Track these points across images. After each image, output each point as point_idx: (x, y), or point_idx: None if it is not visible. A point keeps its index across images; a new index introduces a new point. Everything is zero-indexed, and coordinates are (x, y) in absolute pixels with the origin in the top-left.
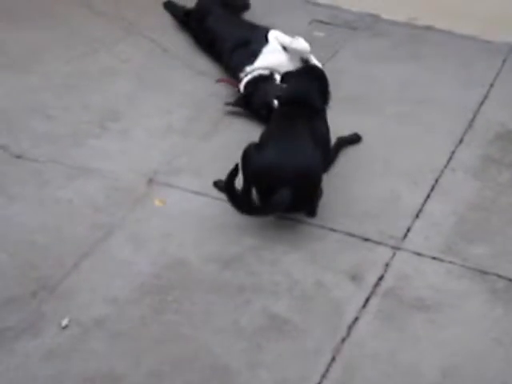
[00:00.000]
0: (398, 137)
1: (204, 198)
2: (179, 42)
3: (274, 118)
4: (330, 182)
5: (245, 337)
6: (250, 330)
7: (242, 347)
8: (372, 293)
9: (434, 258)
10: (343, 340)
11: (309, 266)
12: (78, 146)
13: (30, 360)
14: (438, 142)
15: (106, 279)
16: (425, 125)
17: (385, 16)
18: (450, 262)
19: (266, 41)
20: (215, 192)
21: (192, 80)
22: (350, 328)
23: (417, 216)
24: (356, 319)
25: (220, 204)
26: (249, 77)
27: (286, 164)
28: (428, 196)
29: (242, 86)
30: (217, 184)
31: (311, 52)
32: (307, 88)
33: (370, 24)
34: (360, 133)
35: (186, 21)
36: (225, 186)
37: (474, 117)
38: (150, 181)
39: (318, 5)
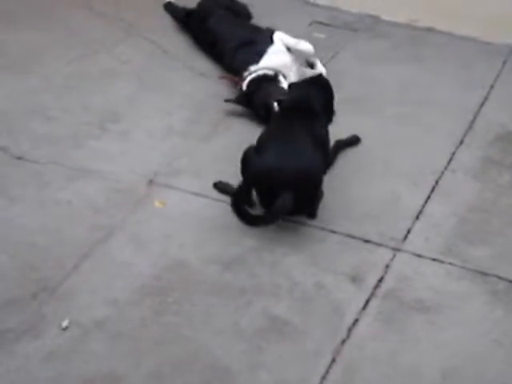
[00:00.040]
0: (398, 138)
1: (204, 200)
2: (179, 44)
3: (273, 120)
4: (330, 183)
5: (245, 338)
6: (250, 332)
7: (243, 349)
8: (372, 294)
9: (434, 260)
10: (343, 341)
11: (309, 268)
12: (78, 148)
13: (31, 361)
14: (439, 143)
15: (106, 281)
16: (425, 126)
17: (385, 17)
18: (450, 264)
19: (271, 41)
20: (215, 193)
21: (192, 81)
22: (350, 330)
23: (417, 217)
24: (356, 321)
25: (220, 205)
26: (253, 75)
27: (286, 166)
28: (428, 197)
29: (244, 84)
30: (217, 185)
31: (313, 54)
32: (308, 92)
33: (370, 25)
34: (360, 134)
35: (187, 22)
36: (232, 204)
37: (475, 118)
38: (150, 182)
39: (318, 6)
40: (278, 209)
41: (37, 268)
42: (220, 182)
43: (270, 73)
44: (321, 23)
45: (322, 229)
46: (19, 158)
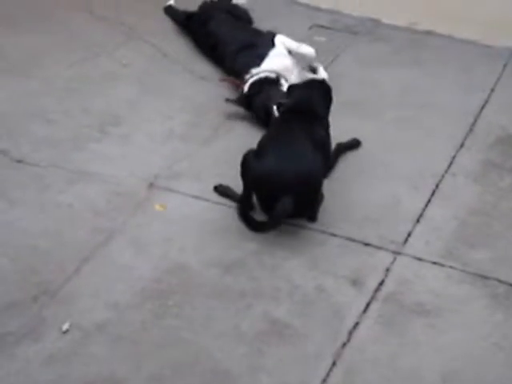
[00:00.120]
0: (398, 141)
1: (205, 203)
2: (180, 47)
3: (274, 124)
4: (331, 186)
5: (245, 341)
6: (250, 335)
7: (243, 352)
8: (372, 298)
9: (434, 263)
10: (344, 345)
11: (309, 271)
12: (78, 151)
13: (31, 365)
14: (439, 146)
15: (107, 284)
16: (425, 129)
17: (385, 21)
18: (451, 267)
19: (272, 44)
20: (216, 196)
21: (193, 85)
22: (350, 333)
23: (417, 221)
24: (356, 324)
25: (221, 208)
26: (255, 78)
27: (285, 170)
28: (429, 201)
29: (246, 87)
30: (217, 189)
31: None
32: (310, 95)
33: (371, 29)
34: (360, 137)
35: (187, 25)
36: (239, 212)
37: (475, 121)
38: (151, 185)
39: (319, 9)
40: (279, 213)
41: (37, 271)
42: (220, 186)
43: (272, 75)
44: (321, 26)
45: (323, 232)
46: (19, 161)
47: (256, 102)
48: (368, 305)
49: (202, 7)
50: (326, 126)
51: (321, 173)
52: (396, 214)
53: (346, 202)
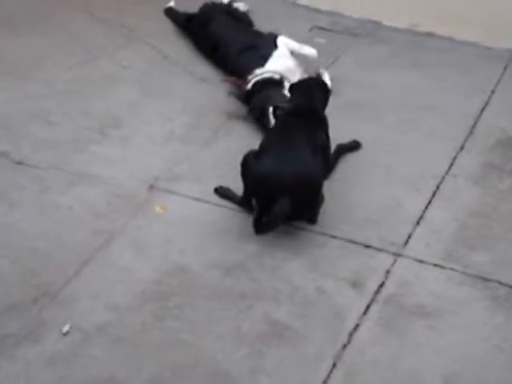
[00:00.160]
0: (398, 143)
1: (205, 205)
2: (180, 49)
3: (275, 126)
4: (331, 188)
5: (246, 343)
6: (251, 337)
7: (243, 353)
8: (373, 299)
9: (434, 265)
10: (344, 346)
11: (310, 273)
12: (78, 153)
13: (31, 367)
14: (439, 148)
15: (107, 286)
16: (426, 131)
17: (386, 23)
18: (451, 269)
19: (275, 46)
20: (216, 198)
21: (193, 86)
22: (350, 334)
23: (418, 223)
24: (357, 326)
25: (221, 210)
26: (258, 78)
27: (284, 172)
28: (429, 202)
29: (250, 84)
30: (218, 190)
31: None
32: (311, 97)
33: (371, 31)
34: (361, 139)
35: (188, 26)
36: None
37: (475, 123)
38: (151, 187)
39: (319, 11)
40: (276, 214)
41: (37, 273)
42: (221, 187)
43: (276, 76)
44: (322, 28)
45: (323, 234)
46: (19, 163)
47: (254, 100)
48: (368, 307)
49: (203, 9)
50: (326, 127)
51: (320, 175)
52: (396, 215)
53: (346, 203)
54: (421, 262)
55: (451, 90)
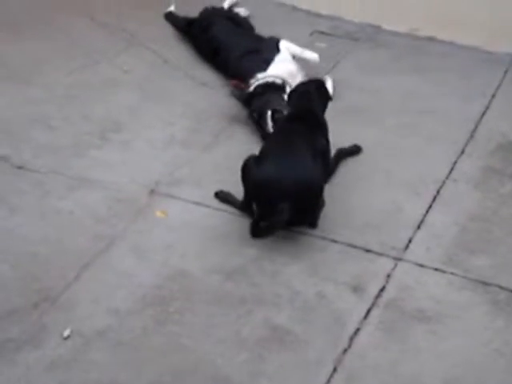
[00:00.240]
0: (399, 147)
1: (205, 209)
2: (181, 53)
3: (275, 130)
4: (331, 192)
5: (246, 348)
6: (251, 341)
7: (244, 358)
8: (373, 304)
9: (435, 269)
10: (345, 351)
11: (310, 278)
12: (79, 157)
13: (32, 371)
14: (440, 152)
15: (108, 290)
16: (426, 135)
17: (386, 27)
18: (452, 274)
19: (277, 50)
20: (217, 203)
21: (193, 91)
22: (351, 339)
23: (418, 227)
24: (357, 330)
25: (221, 215)
26: (260, 81)
27: (284, 177)
28: (429, 207)
29: (252, 87)
30: (218, 195)
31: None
32: (311, 101)
33: (372, 35)
34: (361, 143)
35: (188, 31)
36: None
37: (476, 127)
38: (152, 192)
39: (320, 16)
40: (275, 219)
41: (38, 278)
42: (221, 192)
43: (278, 81)
44: (322, 33)
45: (323, 238)
46: (20, 168)
47: (254, 102)
48: (369, 311)
49: (203, 14)
50: (326, 132)
51: (320, 180)
52: (397, 220)
53: (346, 207)
54: (421, 266)
55: (452, 94)
